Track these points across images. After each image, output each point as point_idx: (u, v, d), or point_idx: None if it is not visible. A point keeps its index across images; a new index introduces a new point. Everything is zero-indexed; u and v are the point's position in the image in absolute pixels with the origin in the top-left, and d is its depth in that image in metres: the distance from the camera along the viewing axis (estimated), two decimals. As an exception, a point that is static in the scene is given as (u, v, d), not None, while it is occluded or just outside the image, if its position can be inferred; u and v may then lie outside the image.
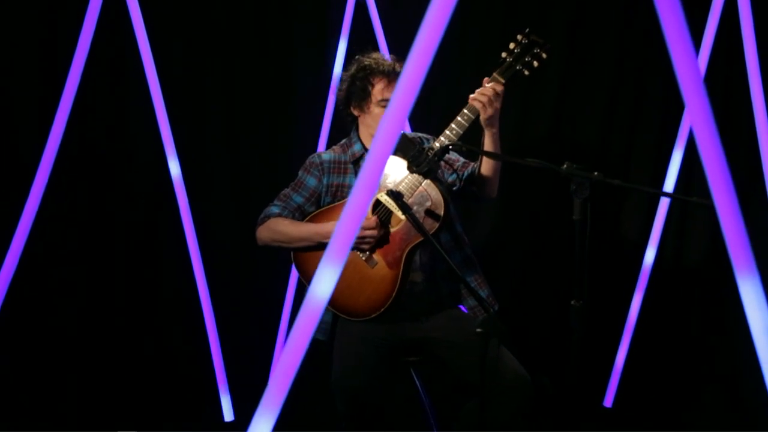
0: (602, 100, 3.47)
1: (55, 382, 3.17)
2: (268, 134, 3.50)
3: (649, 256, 3.25)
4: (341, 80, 2.54)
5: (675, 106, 3.29)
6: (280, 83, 3.48)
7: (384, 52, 3.34)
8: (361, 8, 3.39)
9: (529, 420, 2.26)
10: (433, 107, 3.39)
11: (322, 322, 2.47)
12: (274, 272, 3.44)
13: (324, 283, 1.04)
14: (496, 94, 2.21)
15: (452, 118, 2.23)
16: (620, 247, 3.46)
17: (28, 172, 2.68)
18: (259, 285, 3.52)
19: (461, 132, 2.22)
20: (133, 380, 3.30)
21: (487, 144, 2.29)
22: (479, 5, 3.45)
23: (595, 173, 1.76)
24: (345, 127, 2.62)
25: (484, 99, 2.20)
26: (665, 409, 3.32)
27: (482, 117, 2.22)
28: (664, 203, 3.24)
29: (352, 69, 2.50)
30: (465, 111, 2.23)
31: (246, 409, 3.17)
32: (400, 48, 2.64)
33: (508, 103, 2.35)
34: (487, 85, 2.23)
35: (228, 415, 3.14)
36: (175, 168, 2.99)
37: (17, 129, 3.04)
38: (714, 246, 3.34)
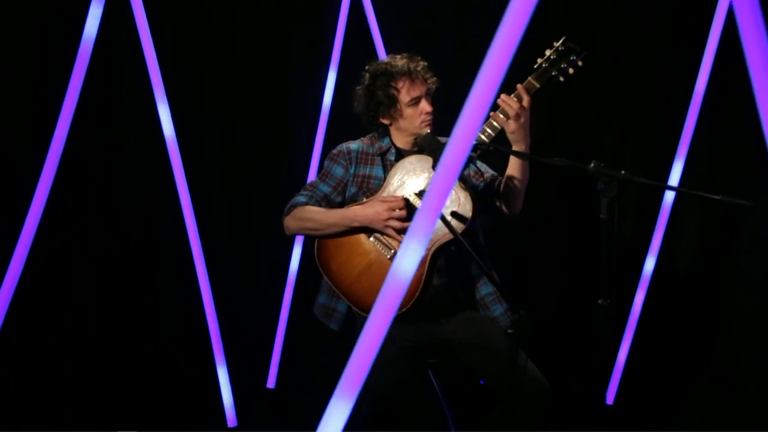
0: (597, 98, 3.48)
1: (56, 382, 3.12)
2: (267, 135, 3.46)
3: (652, 254, 3.26)
4: (355, 96, 2.49)
5: (674, 106, 3.31)
6: (277, 84, 3.44)
7: (380, 53, 3.33)
8: (357, 8, 3.36)
9: (545, 426, 2.26)
10: (448, 109, 3.36)
11: (336, 312, 2.49)
12: (274, 273, 3.41)
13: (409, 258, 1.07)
14: (522, 107, 2.19)
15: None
16: (622, 245, 3.47)
17: (31, 175, 2.65)
18: (258, 287, 3.48)
19: (493, 134, 2.21)
20: (134, 382, 3.25)
21: (512, 161, 2.30)
22: (474, 3, 3.44)
23: (623, 172, 1.76)
24: (343, 127, 2.59)
25: (511, 111, 2.18)
26: (666, 406, 3.34)
27: (507, 131, 2.22)
28: (667, 201, 3.24)
29: (366, 81, 2.45)
30: (497, 113, 2.22)
31: (249, 414, 3.13)
32: (397, 48, 2.62)
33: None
34: (512, 96, 2.20)
35: (231, 420, 3.10)
36: (176, 168, 2.96)
37: (17, 131, 2.99)
38: (715, 245, 3.37)
